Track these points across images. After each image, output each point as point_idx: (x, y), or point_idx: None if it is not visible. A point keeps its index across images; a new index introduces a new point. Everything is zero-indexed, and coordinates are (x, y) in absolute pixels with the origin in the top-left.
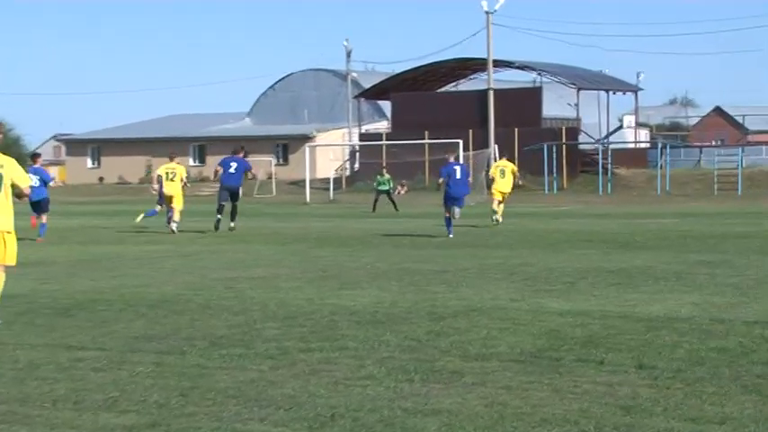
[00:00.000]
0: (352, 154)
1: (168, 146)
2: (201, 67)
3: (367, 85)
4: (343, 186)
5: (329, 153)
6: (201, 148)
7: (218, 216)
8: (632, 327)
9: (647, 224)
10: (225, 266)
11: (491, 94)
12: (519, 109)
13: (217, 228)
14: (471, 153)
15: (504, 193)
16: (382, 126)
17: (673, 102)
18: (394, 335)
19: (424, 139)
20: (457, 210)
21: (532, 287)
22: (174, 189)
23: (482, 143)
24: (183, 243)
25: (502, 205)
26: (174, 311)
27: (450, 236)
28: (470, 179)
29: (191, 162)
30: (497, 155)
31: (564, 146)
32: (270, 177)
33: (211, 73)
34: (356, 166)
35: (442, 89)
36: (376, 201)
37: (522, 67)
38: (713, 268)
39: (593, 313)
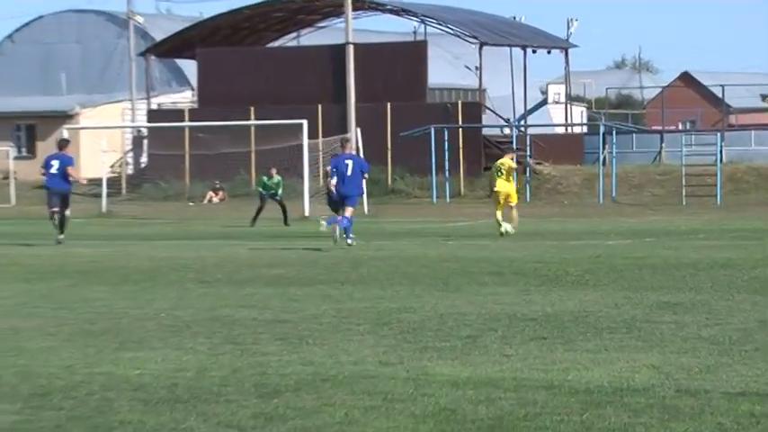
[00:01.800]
0: (138, 141)
1: None
2: None
3: (160, 36)
4: (123, 191)
5: (101, 140)
6: None
7: (53, 224)
8: (563, 402)
9: (585, 247)
10: None
11: (350, 50)
12: (393, 73)
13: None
14: (321, 141)
15: (505, 194)
16: (184, 98)
17: (620, 65)
18: (202, 420)
19: (248, 119)
20: (349, 209)
21: (414, 344)
22: None
23: (338, 125)
24: None
25: (514, 210)
26: None
27: (350, 242)
28: (366, 176)
29: None
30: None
31: (460, 130)
32: (6, 177)
33: None
34: (143, 160)
35: (276, 43)
36: (260, 209)
37: (398, 10)
38: (681, 314)
39: (505, 383)
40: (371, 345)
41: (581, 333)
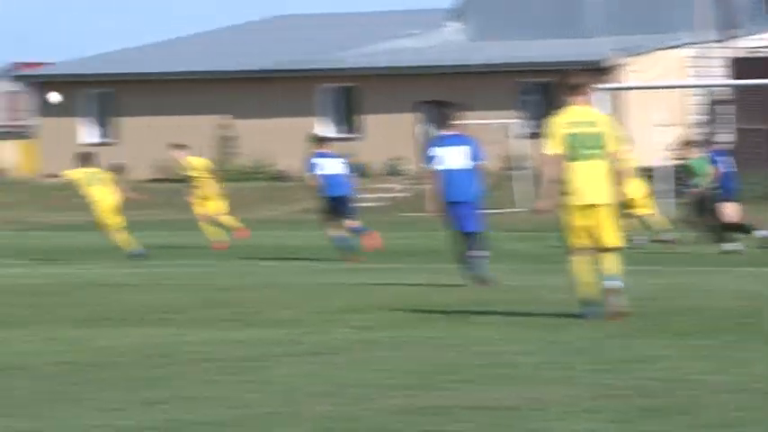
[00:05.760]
0: (715, 109)
1: (288, 86)
2: None
3: None
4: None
5: (653, 107)
6: (348, 92)
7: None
8: None
9: None
10: None
11: None
12: None
13: None
14: None
15: None
16: None
17: None
18: None
19: None
20: None
21: None
22: None
23: None
24: None
25: None
26: None
27: None
28: None
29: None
30: None
31: None
32: (512, 167)
33: None
34: (724, 138)
35: None
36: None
37: None
38: None
39: None
40: None
41: None
